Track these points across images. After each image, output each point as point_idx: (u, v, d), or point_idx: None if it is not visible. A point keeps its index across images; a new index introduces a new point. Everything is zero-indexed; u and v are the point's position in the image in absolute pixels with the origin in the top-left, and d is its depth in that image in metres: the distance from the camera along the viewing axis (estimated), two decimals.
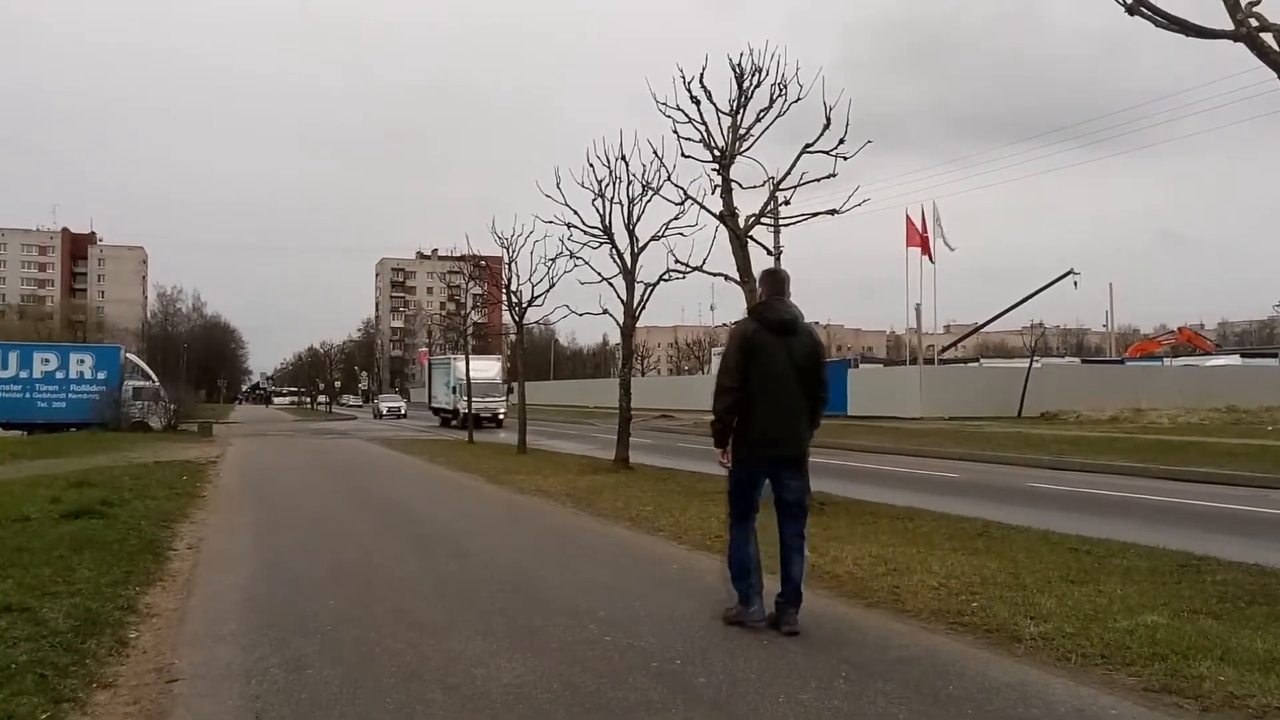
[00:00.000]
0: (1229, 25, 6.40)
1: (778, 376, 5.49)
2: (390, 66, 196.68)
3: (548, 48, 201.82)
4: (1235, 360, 51.03)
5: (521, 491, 13.68)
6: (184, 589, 6.88)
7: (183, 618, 5.98)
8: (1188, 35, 6.67)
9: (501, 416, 40.02)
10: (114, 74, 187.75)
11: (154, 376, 37.86)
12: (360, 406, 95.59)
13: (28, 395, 32.57)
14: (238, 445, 27.23)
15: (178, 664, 4.92)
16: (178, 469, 16.91)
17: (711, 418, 5.66)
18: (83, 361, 33.56)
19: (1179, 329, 68.06)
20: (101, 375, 33.12)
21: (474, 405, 35.38)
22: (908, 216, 38.13)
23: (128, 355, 37.56)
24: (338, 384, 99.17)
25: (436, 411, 45.90)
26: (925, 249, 37.77)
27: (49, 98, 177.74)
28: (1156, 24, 6.70)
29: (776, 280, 5.88)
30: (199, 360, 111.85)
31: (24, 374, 32.70)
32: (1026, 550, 7.82)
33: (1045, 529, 9.04)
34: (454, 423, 33.78)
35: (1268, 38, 6.29)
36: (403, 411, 62.83)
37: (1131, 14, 6.75)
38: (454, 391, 35.72)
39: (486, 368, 39.24)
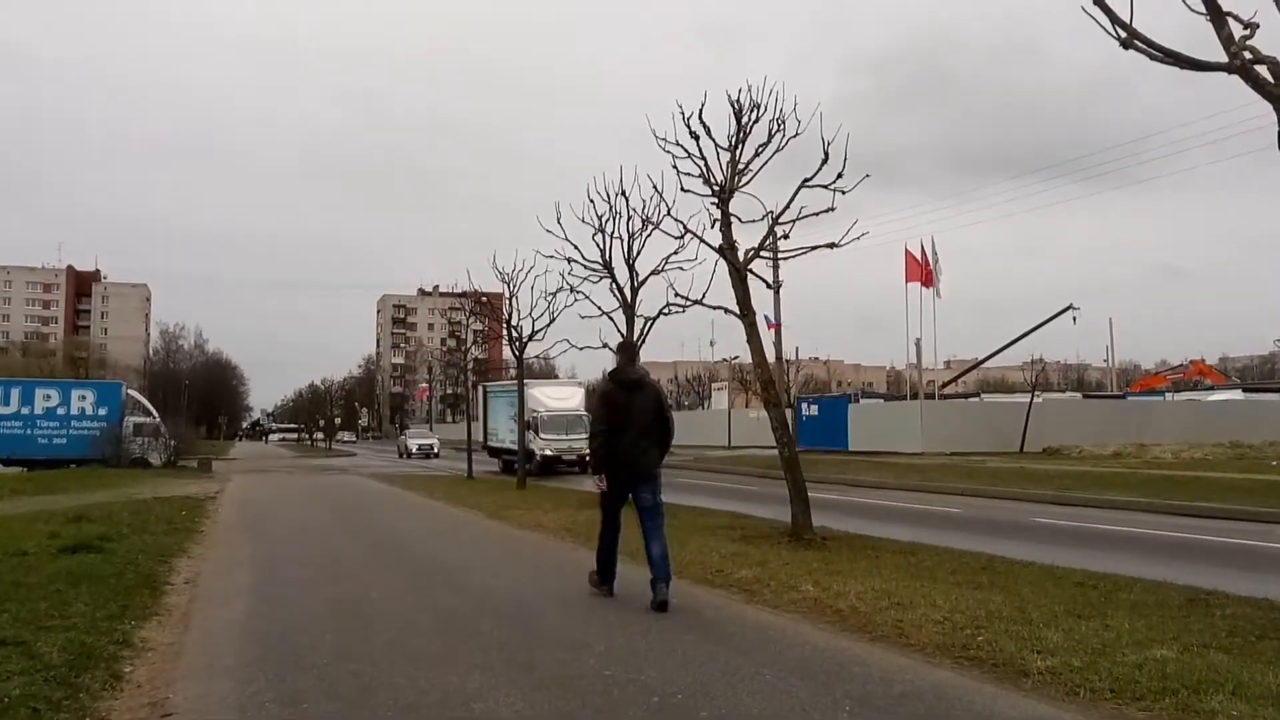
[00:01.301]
0: (1223, 58, 6.46)
1: (629, 421, 7.54)
2: (393, 102, 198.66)
3: (548, 84, 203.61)
4: (1238, 395, 50.90)
5: (520, 527, 13.59)
6: (180, 623, 6.82)
7: (178, 652, 5.91)
8: (1182, 68, 6.72)
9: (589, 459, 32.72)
10: (119, 111, 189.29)
11: (155, 413, 37.82)
12: (354, 442, 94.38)
13: (29, 431, 32.55)
14: (237, 481, 27.13)
15: (172, 698, 4.85)
16: (177, 505, 16.82)
17: (589, 452, 7.97)
18: (84, 398, 33.57)
19: (1191, 362, 67.85)
20: (103, 411, 33.11)
21: (552, 445, 29.54)
22: (907, 251, 38.25)
23: (129, 392, 37.55)
24: (338, 420, 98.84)
25: (495, 452, 34.52)
26: (926, 282, 37.79)
27: (55, 135, 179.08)
28: (1151, 57, 6.75)
29: (629, 351, 8.38)
30: (200, 397, 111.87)
31: (25, 410, 32.71)
32: (1031, 585, 7.75)
33: (1050, 564, 8.96)
34: (527, 466, 26.59)
35: (1262, 70, 6.33)
36: (435, 450, 51.96)
37: (1126, 48, 6.81)
38: (530, 428, 29.07)
39: (566, 396, 32.11)
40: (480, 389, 34.60)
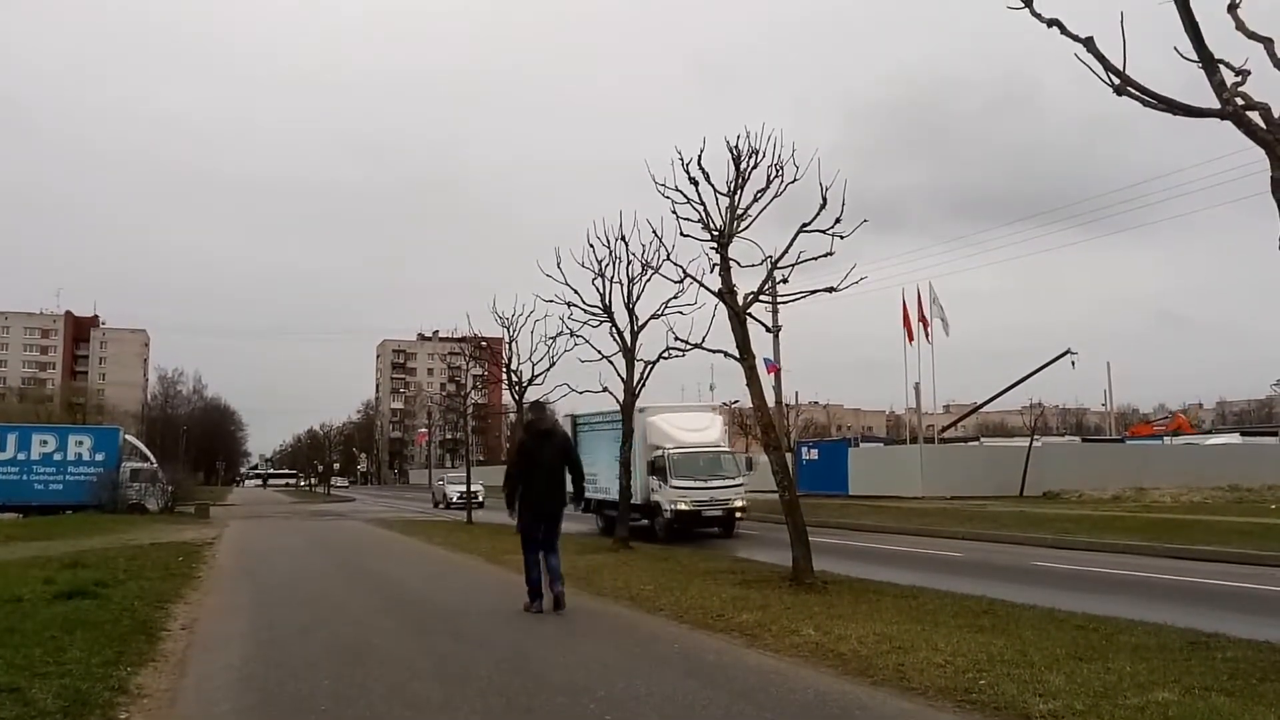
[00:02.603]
0: (1217, 104, 6.57)
1: (541, 466, 9.35)
2: (393, 154, 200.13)
3: (548, 126, 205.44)
4: (1235, 439, 50.88)
5: (519, 571, 13.42)
6: (176, 669, 6.76)
7: (174, 699, 5.87)
8: (1175, 114, 6.83)
9: (740, 514, 21.74)
10: (119, 157, 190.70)
11: (152, 458, 37.66)
12: (346, 487, 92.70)
13: (25, 477, 32.36)
14: (235, 527, 26.97)
15: None
16: (173, 550, 16.71)
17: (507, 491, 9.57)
18: (81, 443, 33.41)
19: (1174, 414, 69.04)
20: (99, 457, 32.94)
21: (689, 495, 20.81)
22: (903, 300, 38.43)
23: (126, 437, 37.38)
24: (336, 465, 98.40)
25: (593, 506, 23.41)
26: (912, 334, 37.90)
27: (53, 179, 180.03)
28: (1145, 104, 6.87)
29: (539, 408, 10.53)
30: (198, 443, 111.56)
31: (22, 455, 32.55)
32: (1033, 628, 7.72)
33: (1051, 607, 8.92)
34: (641, 521, 20.35)
35: (1254, 116, 6.44)
36: (480, 499, 37.89)
37: (1119, 94, 6.93)
38: (654, 471, 21.42)
39: (702, 425, 22.86)
40: (569, 421, 25.25)
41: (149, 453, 38.63)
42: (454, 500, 41.70)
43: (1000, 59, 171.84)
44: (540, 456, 9.38)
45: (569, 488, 9.82)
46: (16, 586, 10.32)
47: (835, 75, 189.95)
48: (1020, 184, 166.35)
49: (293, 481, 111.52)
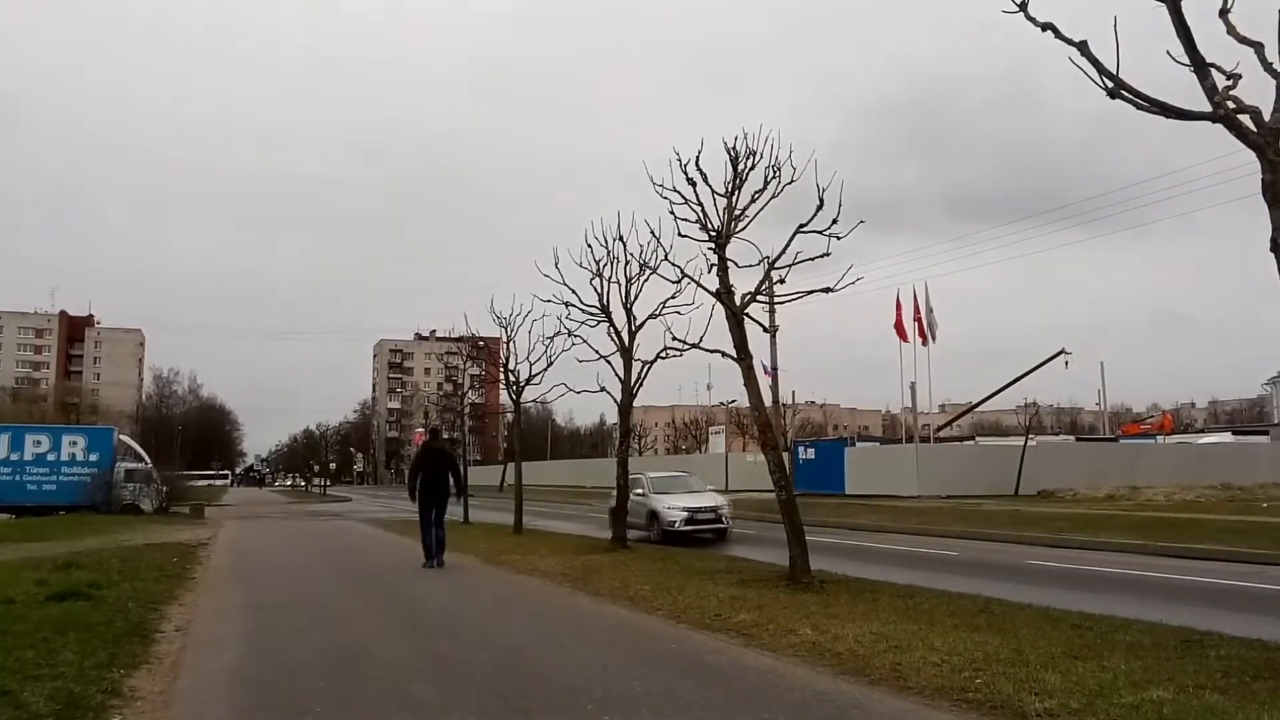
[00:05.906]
0: (1208, 108, 6.59)
1: (431, 471, 14.52)
2: (390, 151, 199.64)
3: (549, 126, 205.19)
4: (1228, 438, 50.96)
5: (517, 571, 13.51)
6: (170, 671, 6.74)
7: (168, 701, 5.85)
8: (1167, 117, 6.85)
9: None
10: (114, 152, 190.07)
11: (147, 458, 37.56)
12: (331, 486, 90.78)
13: (18, 477, 32.23)
14: (230, 528, 26.92)
15: None
16: (168, 551, 16.68)
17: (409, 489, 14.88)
18: (75, 443, 33.29)
19: (1164, 414, 70.11)
20: (94, 457, 32.83)
21: None
22: (898, 301, 38.43)
23: (121, 437, 37.25)
24: (332, 465, 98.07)
25: None
26: (904, 334, 37.91)
27: (48, 178, 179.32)
28: (1138, 106, 6.88)
29: (434, 432, 18.60)
30: (193, 443, 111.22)
31: (15, 455, 32.42)
32: (1029, 626, 7.73)
33: (1046, 606, 8.94)
34: None
35: (1245, 119, 6.46)
36: (723, 514, 20.36)
37: (1113, 97, 6.95)
38: None
39: None
40: None
41: (144, 453, 38.55)
42: (674, 525, 19.88)
43: (1001, 58, 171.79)
44: (431, 466, 14.58)
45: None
46: (9, 588, 10.27)
47: (836, 75, 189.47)
48: (1020, 184, 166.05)
49: (294, 482, 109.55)
